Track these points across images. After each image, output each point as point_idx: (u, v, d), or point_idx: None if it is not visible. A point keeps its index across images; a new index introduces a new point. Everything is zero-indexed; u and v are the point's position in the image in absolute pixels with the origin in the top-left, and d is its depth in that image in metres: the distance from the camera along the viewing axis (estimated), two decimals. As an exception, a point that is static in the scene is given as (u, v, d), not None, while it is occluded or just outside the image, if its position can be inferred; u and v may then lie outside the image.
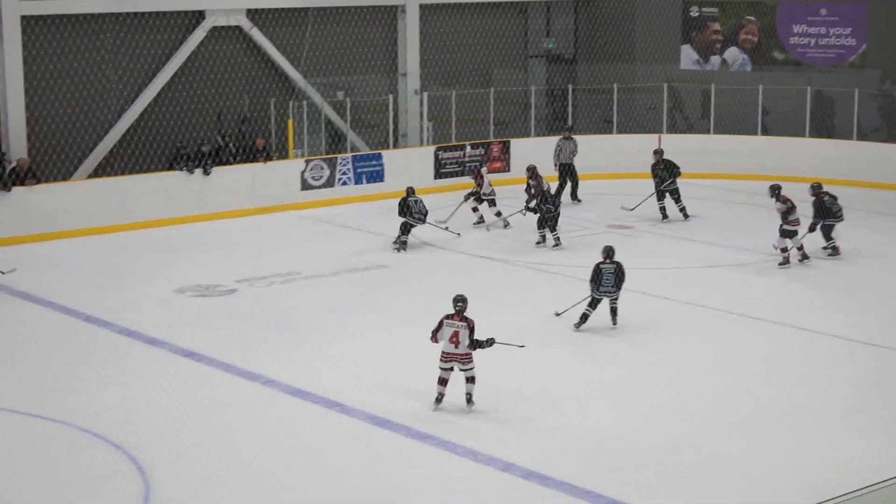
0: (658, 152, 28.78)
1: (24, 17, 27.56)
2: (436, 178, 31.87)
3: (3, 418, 16.67)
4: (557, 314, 20.69)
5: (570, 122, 33.52)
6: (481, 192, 28.00)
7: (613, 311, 20.29)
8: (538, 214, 26.07)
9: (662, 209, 28.53)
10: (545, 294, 22.54)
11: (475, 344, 16.43)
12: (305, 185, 30.00)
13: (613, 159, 33.45)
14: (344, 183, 30.67)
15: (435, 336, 16.69)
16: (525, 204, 26.74)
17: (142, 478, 14.79)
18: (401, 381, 17.89)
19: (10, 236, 26.17)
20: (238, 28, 30.87)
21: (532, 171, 26.95)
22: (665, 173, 28.44)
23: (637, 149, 32.41)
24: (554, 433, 16.20)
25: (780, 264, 24.06)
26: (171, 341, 19.84)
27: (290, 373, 18.14)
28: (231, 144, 29.74)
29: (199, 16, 30.27)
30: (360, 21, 32.95)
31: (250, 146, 29.88)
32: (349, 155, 31.09)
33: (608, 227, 27.86)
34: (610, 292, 20.13)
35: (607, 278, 20.01)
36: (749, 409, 17.08)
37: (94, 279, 23.64)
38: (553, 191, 27.57)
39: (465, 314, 16.56)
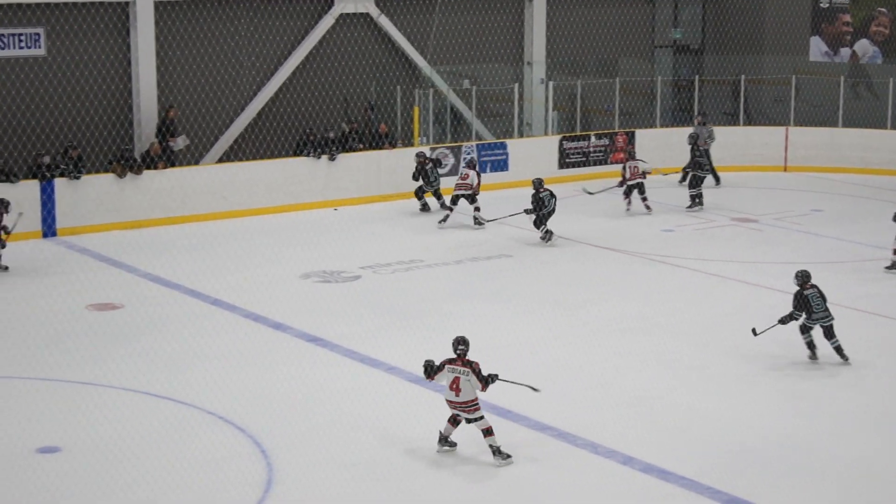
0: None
1: (157, 3, 27.93)
2: (560, 167, 31.73)
3: (130, 399, 16.90)
4: (756, 333, 18.55)
5: (696, 112, 33.19)
6: (473, 191, 27.29)
7: (829, 331, 18.34)
8: (533, 215, 25.49)
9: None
10: (672, 286, 22.36)
11: (485, 383, 14.89)
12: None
13: (740, 151, 33.04)
14: (468, 171, 30.64)
15: (432, 376, 15.07)
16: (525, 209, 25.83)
17: (265, 461, 14.91)
18: (521, 372, 17.79)
19: (141, 219, 26.58)
20: (366, 15, 30.99)
21: (538, 184, 25.76)
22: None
23: (764, 141, 31.98)
24: (674, 430, 16.03)
25: (887, 268, 23.46)
26: (296, 326, 19.99)
27: (411, 360, 18.17)
28: (356, 131, 29.86)
29: (328, 3, 30.45)
30: (487, 9, 32.91)
31: (375, 132, 30.00)
32: (473, 143, 31.06)
33: (732, 221, 27.55)
34: (824, 317, 18.27)
35: (817, 303, 18.18)
36: (874, 406, 16.78)
37: (222, 263, 23.89)
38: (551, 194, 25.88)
39: (467, 357, 14.96)
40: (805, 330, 18.35)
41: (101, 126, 27.73)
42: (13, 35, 26.72)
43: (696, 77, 34.49)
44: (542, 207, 25.32)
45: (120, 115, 28.09)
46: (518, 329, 19.99)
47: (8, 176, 25.38)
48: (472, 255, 24.44)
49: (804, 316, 18.18)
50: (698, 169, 28.83)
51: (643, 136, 32.81)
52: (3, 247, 23.04)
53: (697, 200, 28.55)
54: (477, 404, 14.92)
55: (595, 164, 31.38)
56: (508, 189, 29.48)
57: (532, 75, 33.37)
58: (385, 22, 31.13)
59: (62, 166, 25.91)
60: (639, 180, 27.93)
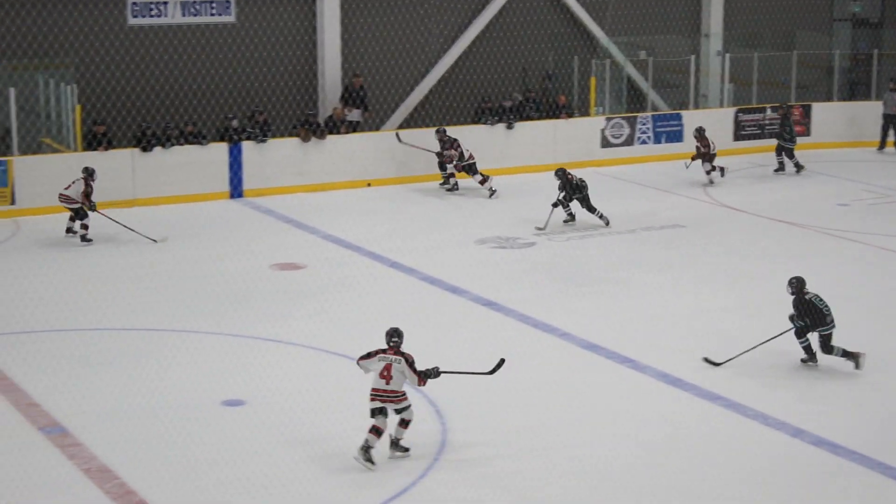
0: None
1: (343, -29, 28.40)
2: (735, 139, 31.37)
3: (311, 356, 17.31)
4: (713, 363, 17.04)
5: (873, 87, 32.58)
6: (461, 162, 26.97)
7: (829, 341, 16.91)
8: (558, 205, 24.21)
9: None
10: (845, 260, 22.09)
11: (423, 376, 14.19)
12: (605, 143, 30.00)
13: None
14: (643, 142, 30.53)
15: (362, 361, 14.21)
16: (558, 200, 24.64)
17: (439, 421, 15.14)
18: (691, 341, 17.78)
19: (323, 182, 27.04)
20: (545, -15, 31.05)
21: (561, 175, 24.38)
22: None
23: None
24: (848, 404, 15.85)
25: None
26: (471, 290, 20.20)
27: (583, 326, 18.26)
28: (533, 100, 29.92)
29: (509, -28, 30.58)
30: (665, -19, 32.69)
31: (552, 102, 30.03)
32: (649, 114, 30.90)
33: (912, 196, 27.05)
34: (829, 323, 16.79)
35: (823, 305, 16.81)
36: None
37: (402, 227, 24.21)
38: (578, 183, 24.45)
39: (400, 349, 14.18)
40: (802, 333, 16.87)
41: (286, 91, 28.28)
42: (205, 2, 27.36)
43: (875, 51, 33.75)
44: (578, 191, 24.24)
45: (305, 81, 28.59)
46: (688, 299, 19.92)
47: (198, 138, 26.02)
48: (646, 225, 24.37)
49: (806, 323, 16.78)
50: (780, 139, 29.09)
51: (819, 110, 32.24)
52: (86, 216, 22.95)
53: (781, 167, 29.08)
54: (405, 396, 14.13)
55: (770, 137, 30.90)
56: (682, 160, 29.23)
57: (709, 47, 33.03)
58: (564, -8, 31.18)
59: (249, 130, 26.48)
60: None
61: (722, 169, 27.72)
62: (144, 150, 25.38)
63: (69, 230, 23.12)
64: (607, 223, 24.09)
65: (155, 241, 22.83)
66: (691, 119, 30.94)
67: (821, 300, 16.80)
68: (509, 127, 28.99)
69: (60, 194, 22.94)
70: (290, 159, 26.84)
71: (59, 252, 22.27)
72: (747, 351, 16.86)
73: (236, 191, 26.23)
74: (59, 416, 15.03)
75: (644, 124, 30.42)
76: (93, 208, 22.88)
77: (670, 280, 20.92)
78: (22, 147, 25.17)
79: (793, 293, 16.89)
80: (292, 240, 23.34)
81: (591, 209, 24.11)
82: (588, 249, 22.79)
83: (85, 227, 22.85)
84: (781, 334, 16.88)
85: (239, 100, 27.65)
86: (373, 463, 13.81)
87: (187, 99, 27.15)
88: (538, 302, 19.57)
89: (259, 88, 27.95)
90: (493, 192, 26.68)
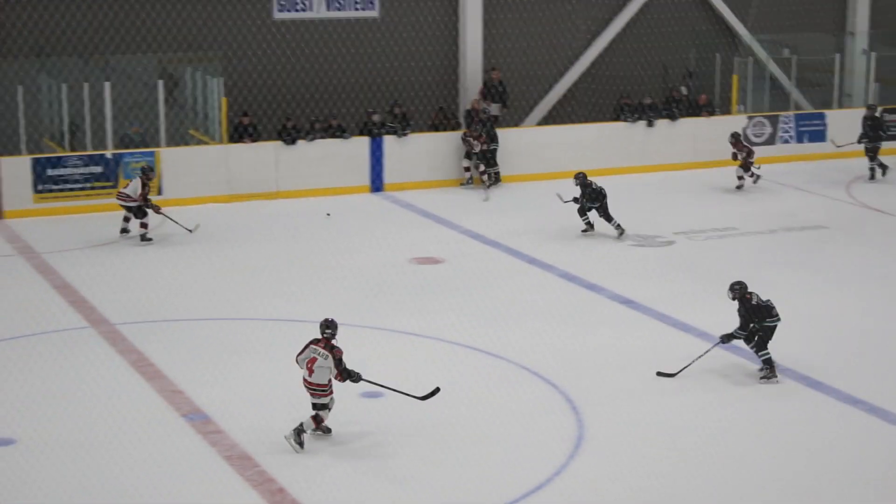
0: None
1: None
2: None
3: (450, 350, 17.32)
4: (665, 374, 16.34)
5: None
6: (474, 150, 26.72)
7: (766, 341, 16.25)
8: (578, 205, 23.18)
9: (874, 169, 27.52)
10: None
11: (345, 374, 14.13)
12: (747, 142, 29.59)
13: None
14: (785, 141, 30.07)
15: (297, 357, 14.35)
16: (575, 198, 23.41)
17: (575, 417, 15.07)
18: (828, 343, 17.48)
19: (463, 178, 27.07)
20: (688, -18, 30.74)
21: (581, 179, 23.18)
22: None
23: None
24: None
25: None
26: (610, 288, 20.07)
27: (723, 326, 18.01)
28: (674, 98, 29.63)
29: (651, -31, 30.34)
30: (810, -22, 32.13)
31: (694, 101, 29.72)
32: (792, 113, 30.42)
33: None
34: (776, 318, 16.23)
35: (767, 302, 16.24)
36: None
37: (539, 223, 24.10)
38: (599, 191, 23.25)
39: (332, 342, 14.18)
40: (763, 344, 16.10)
41: (426, 86, 28.34)
42: (351, -2, 27.61)
43: None
44: (597, 199, 23.10)
45: (444, 76, 28.63)
46: (830, 300, 19.58)
47: (341, 132, 26.22)
48: (787, 225, 23.99)
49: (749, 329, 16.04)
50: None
51: (968, 111, 31.51)
52: (145, 215, 22.41)
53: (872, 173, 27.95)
54: (328, 390, 14.17)
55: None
56: (826, 160, 28.78)
57: (854, 45, 32.39)
58: (707, -11, 30.83)
59: (389, 124, 26.61)
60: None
61: (757, 177, 26.98)
62: (288, 142, 25.64)
63: (124, 230, 22.74)
64: (622, 233, 23.11)
65: (190, 230, 22.68)
66: (835, 119, 30.39)
67: (764, 299, 16.08)
68: (650, 125, 28.75)
69: (118, 192, 22.83)
70: (428, 154, 26.90)
71: (202, 244, 22.51)
72: (698, 358, 16.19)
73: (377, 184, 26.37)
74: (202, 404, 15.26)
75: (786, 123, 29.96)
76: (153, 208, 22.47)
77: (808, 281, 20.56)
78: (169, 139, 25.59)
79: (734, 298, 16.05)
80: (432, 234, 23.42)
81: (609, 218, 23.13)
82: (727, 249, 22.49)
83: (144, 225, 22.41)
84: (709, 351, 16.37)
85: (379, 94, 27.79)
86: (301, 446, 14.01)
87: (328, 93, 27.35)
88: (677, 301, 19.37)
89: (399, 83, 28.05)
90: (488, 195, 26.23)
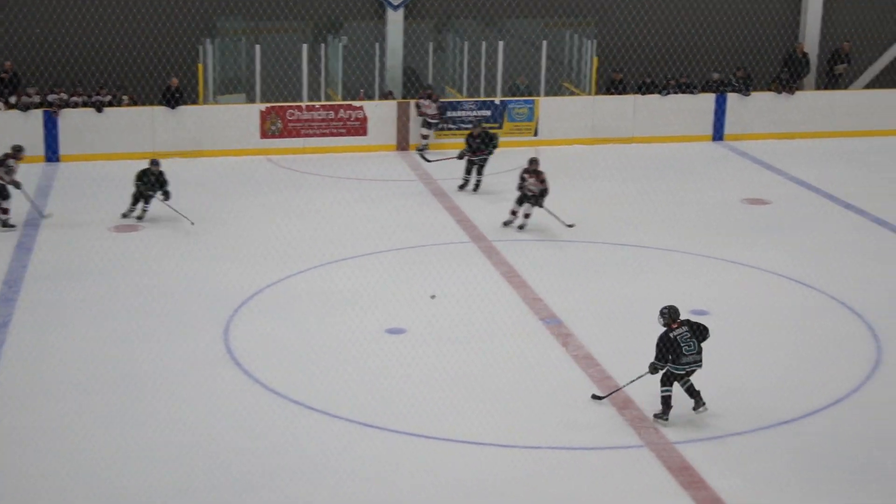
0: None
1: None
2: None
3: (771, 280, 17.25)
4: (598, 397, 13.28)
5: None
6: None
7: (691, 391, 12.76)
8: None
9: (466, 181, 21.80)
10: None
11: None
12: None
13: None
14: None
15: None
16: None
17: (875, 343, 14.91)
18: None
19: (794, 132, 26.45)
20: None
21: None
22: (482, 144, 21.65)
23: None
24: None
25: None
26: None
27: None
28: None
29: None
30: None
31: None
32: None
33: None
34: (696, 360, 12.57)
35: (688, 345, 12.48)
36: None
37: (860, 174, 23.43)
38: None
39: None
40: (668, 381, 12.66)
41: (767, 49, 27.68)
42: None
43: None
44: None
45: (786, 41, 27.89)
46: None
47: (690, 88, 26.11)
48: None
49: (668, 363, 12.56)
50: None
51: None
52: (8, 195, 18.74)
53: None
54: None
55: None
56: None
57: None
58: None
59: (732, 84, 26.33)
60: None
61: None
62: (644, 94, 25.78)
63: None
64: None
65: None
66: None
67: (688, 337, 12.50)
68: None
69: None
70: (766, 110, 26.44)
71: (572, 179, 22.71)
72: (629, 383, 13.08)
73: (718, 134, 26.20)
74: (557, 310, 15.85)
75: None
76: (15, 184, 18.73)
77: None
78: (547, 90, 26.17)
79: (664, 325, 12.59)
80: (763, 179, 23.18)
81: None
82: None
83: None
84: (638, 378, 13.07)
85: (721, 56, 27.17)
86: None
87: (677, 53, 27.05)
88: None
89: (741, 46, 27.45)
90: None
